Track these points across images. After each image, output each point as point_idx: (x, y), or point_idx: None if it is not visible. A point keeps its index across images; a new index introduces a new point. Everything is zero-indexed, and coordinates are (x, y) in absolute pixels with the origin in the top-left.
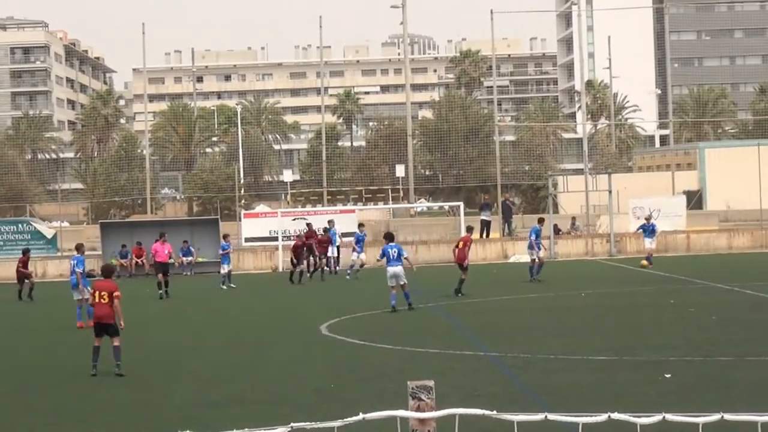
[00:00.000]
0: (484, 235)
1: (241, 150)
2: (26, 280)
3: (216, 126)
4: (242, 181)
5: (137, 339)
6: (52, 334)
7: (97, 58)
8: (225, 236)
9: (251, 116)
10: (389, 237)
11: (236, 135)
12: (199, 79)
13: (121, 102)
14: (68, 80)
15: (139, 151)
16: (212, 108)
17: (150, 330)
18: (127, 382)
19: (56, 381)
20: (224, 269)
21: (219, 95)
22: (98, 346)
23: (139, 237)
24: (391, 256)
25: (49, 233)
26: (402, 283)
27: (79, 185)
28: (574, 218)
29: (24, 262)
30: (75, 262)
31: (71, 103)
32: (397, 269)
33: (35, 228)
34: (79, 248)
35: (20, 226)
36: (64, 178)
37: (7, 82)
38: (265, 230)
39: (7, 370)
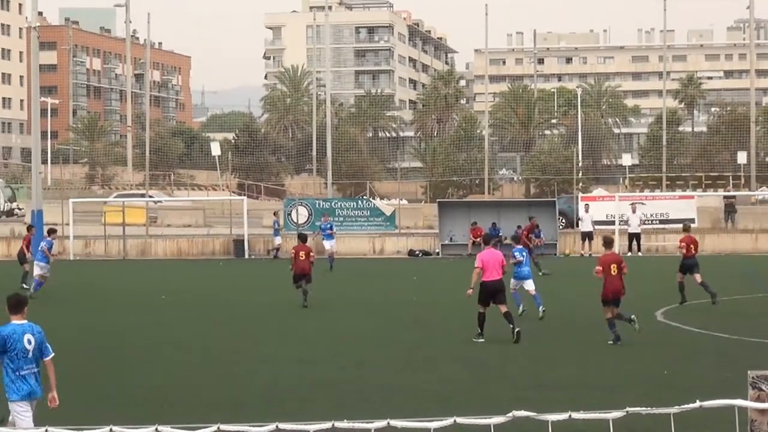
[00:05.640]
0: None
1: (580, 133)
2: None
3: (555, 108)
4: (580, 164)
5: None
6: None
7: (440, 38)
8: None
9: (591, 99)
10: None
11: (576, 118)
12: (540, 61)
13: (462, 82)
14: (410, 60)
15: (478, 131)
16: (552, 90)
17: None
18: (463, 361)
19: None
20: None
21: (559, 77)
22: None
23: (476, 217)
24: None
25: (388, 210)
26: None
27: (418, 164)
28: None
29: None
30: (46, 244)
31: (413, 83)
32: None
33: (374, 205)
34: (51, 233)
35: (360, 203)
36: (403, 157)
37: (351, 61)
38: (601, 214)
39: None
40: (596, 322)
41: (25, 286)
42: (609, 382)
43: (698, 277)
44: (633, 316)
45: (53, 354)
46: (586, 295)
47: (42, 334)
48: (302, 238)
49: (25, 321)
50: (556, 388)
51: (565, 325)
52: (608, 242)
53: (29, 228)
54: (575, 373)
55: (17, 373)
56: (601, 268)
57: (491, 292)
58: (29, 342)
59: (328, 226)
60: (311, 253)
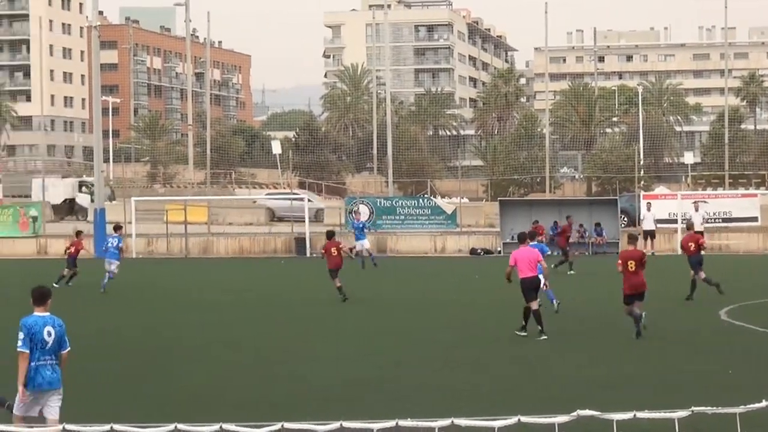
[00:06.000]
0: None
1: (641, 131)
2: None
3: (616, 106)
4: (642, 162)
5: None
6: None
7: (499, 36)
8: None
9: (652, 97)
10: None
11: (637, 116)
12: (601, 59)
13: (522, 81)
14: (470, 58)
15: (539, 129)
16: (613, 88)
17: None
18: (518, 362)
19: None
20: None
21: (620, 75)
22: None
23: (537, 215)
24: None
25: (449, 209)
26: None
27: (478, 162)
28: None
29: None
30: (119, 241)
31: (473, 81)
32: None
33: (435, 204)
34: (118, 229)
35: (421, 201)
36: (464, 155)
37: (411, 59)
38: (664, 212)
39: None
40: (649, 322)
41: (56, 285)
42: (670, 381)
43: (702, 275)
44: (643, 319)
45: (69, 348)
46: None
47: (63, 327)
48: (329, 234)
49: (47, 313)
50: (609, 387)
51: (617, 324)
52: (631, 238)
53: (78, 233)
54: (632, 372)
55: (33, 363)
56: (621, 262)
57: (529, 289)
58: (49, 334)
59: (360, 225)
60: (341, 247)
